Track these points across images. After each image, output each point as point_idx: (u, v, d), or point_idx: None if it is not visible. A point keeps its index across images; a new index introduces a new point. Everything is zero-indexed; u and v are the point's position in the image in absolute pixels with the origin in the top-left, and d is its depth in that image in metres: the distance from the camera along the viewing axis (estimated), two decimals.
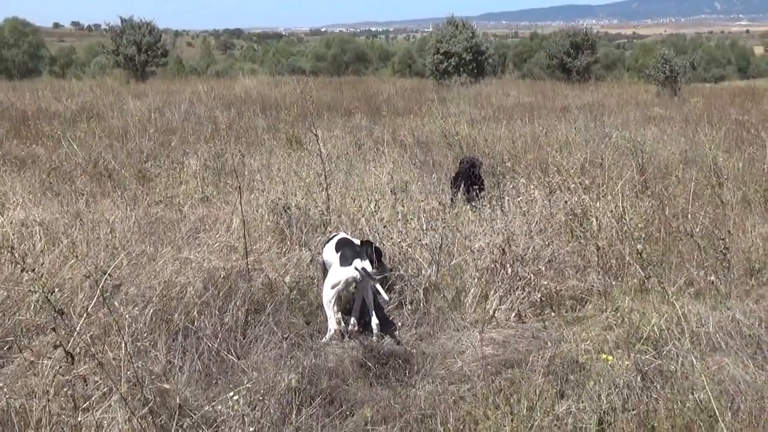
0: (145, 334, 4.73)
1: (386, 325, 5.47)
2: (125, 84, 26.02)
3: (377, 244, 5.95)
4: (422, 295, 5.85)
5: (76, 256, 5.45)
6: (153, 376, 4.22)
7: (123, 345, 4.08)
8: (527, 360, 4.78)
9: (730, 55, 74.10)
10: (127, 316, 4.64)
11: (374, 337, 5.31)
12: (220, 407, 3.96)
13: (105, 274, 4.23)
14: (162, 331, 4.83)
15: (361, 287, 5.47)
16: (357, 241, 5.77)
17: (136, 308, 4.87)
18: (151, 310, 4.93)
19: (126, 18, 31.64)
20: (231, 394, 3.90)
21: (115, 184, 8.87)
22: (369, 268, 5.29)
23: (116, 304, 4.70)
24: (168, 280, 5.36)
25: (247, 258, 5.81)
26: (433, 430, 4.00)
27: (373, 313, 5.41)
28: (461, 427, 3.97)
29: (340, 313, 5.46)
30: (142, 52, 30.46)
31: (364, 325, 5.49)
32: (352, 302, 5.68)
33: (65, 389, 3.93)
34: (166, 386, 4.14)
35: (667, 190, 8.42)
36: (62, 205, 7.33)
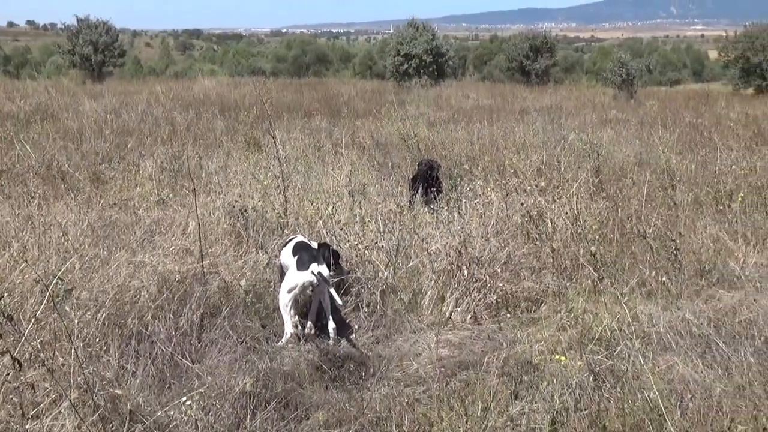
0: (97, 339, 4.65)
1: (343, 329, 5.47)
2: (81, 84, 25.58)
3: (334, 247, 5.94)
4: (379, 298, 5.85)
5: (26, 261, 5.33)
6: (105, 382, 4.16)
7: (73, 350, 4.02)
8: (482, 361, 4.82)
9: (686, 59, 75.61)
10: (78, 321, 4.56)
11: (330, 341, 5.31)
12: (173, 412, 3.92)
13: (56, 278, 4.16)
14: (115, 335, 4.76)
15: (318, 291, 5.46)
16: (314, 244, 5.76)
17: (88, 313, 4.79)
18: (104, 314, 4.85)
19: (82, 17, 31.13)
20: (184, 398, 3.87)
21: (69, 186, 8.73)
22: (326, 272, 5.28)
23: (67, 308, 4.60)
24: (121, 284, 5.27)
25: (202, 261, 5.76)
26: None
27: (330, 316, 5.40)
28: (416, 429, 3.99)
29: (296, 316, 5.45)
30: (98, 52, 29.98)
31: (321, 329, 5.48)
32: (308, 305, 5.66)
33: (12, 396, 3.85)
34: (118, 392, 4.07)
35: (622, 191, 8.54)
36: (13, 208, 7.16)
